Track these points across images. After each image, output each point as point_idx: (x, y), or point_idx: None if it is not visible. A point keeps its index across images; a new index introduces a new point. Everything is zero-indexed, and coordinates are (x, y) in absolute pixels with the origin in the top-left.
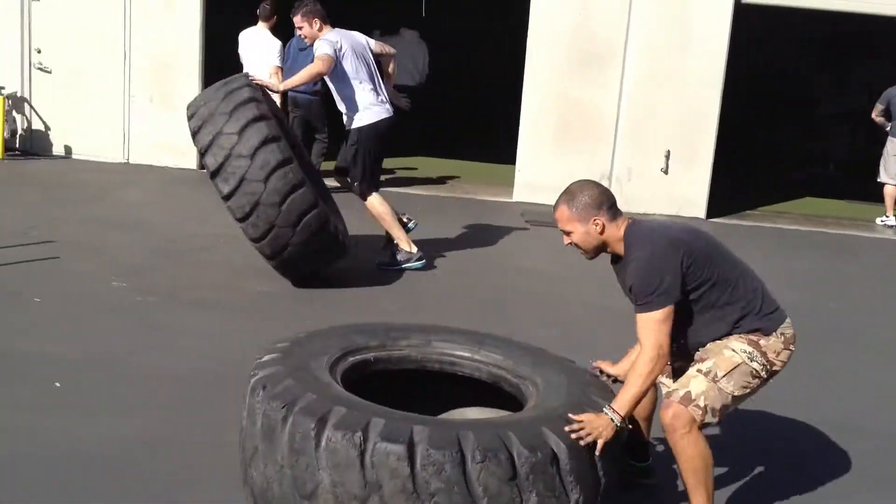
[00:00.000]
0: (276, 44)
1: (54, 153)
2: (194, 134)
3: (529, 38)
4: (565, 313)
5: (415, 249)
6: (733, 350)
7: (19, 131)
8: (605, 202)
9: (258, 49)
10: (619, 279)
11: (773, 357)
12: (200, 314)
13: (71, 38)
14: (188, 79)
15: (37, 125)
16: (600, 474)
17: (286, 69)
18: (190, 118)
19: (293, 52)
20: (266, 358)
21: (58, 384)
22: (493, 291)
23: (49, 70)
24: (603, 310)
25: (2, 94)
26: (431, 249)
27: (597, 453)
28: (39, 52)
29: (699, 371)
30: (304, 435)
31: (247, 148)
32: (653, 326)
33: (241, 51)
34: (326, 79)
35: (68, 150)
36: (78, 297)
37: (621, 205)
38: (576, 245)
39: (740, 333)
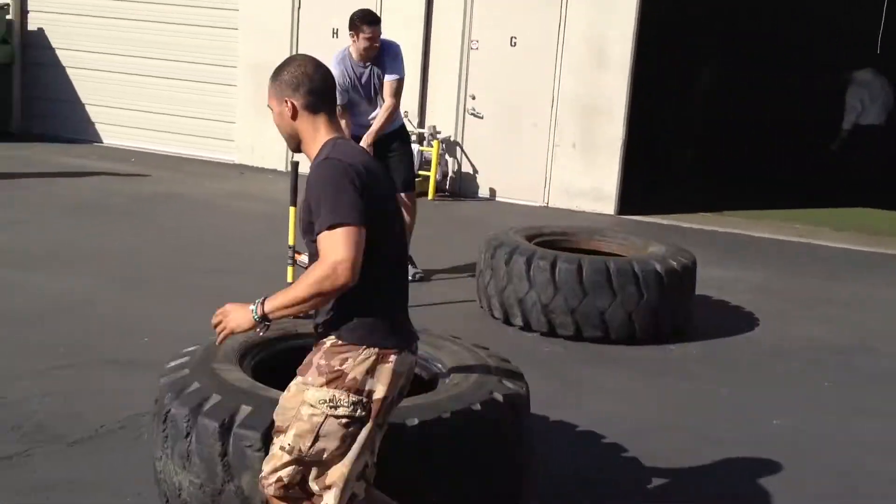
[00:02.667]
0: None
1: (480, 195)
2: None
3: None
4: None
5: None
6: (311, 406)
7: (450, 174)
8: (306, 85)
9: None
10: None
11: (364, 381)
12: (609, 370)
13: (502, 85)
14: (612, 126)
15: (465, 168)
16: None
17: None
18: None
19: None
20: None
21: None
22: None
23: (481, 116)
24: None
25: (437, 139)
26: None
27: (216, 342)
28: (474, 98)
29: (281, 448)
30: None
31: None
32: (340, 240)
33: None
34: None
35: (493, 192)
36: (492, 341)
37: None
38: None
39: (330, 358)
